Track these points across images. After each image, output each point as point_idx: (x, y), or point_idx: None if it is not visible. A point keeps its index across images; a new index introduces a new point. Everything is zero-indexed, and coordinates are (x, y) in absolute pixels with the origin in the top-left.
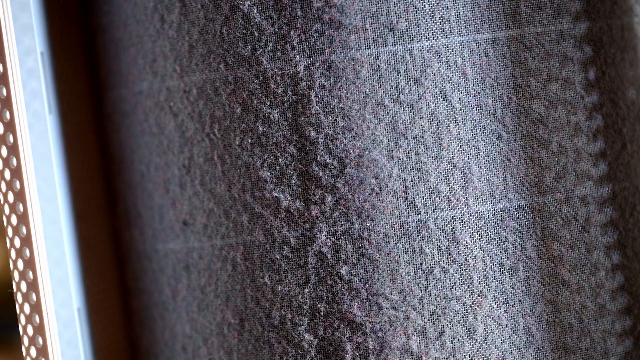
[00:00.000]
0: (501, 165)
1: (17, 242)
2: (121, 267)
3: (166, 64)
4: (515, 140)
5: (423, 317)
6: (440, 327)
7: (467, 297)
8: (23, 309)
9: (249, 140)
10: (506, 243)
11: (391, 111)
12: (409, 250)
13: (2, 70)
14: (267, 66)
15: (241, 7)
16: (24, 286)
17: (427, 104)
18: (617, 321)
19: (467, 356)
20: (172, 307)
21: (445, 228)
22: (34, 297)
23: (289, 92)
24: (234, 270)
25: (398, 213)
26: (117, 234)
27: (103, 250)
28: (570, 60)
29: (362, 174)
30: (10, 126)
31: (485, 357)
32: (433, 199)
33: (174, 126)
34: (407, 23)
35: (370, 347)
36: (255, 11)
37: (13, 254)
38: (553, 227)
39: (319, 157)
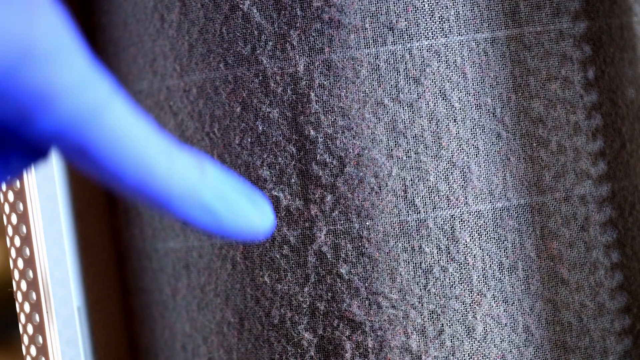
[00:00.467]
0: (500, 165)
1: (17, 241)
2: (121, 266)
3: (166, 63)
4: (515, 139)
5: (422, 316)
6: (439, 326)
7: (466, 296)
8: (23, 308)
9: (249, 140)
10: (505, 242)
11: (391, 110)
12: (408, 249)
13: None
14: (267, 65)
15: (241, 6)
16: (24, 285)
17: (427, 103)
18: (617, 320)
19: (467, 355)
20: (172, 306)
21: (445, 227)
22: (34, 296)
23: (288, 91)
24: (234, 269)
25: (397, 212)
26: (117, 233)
27: (103, 249)
28: (570, 60)
29: (361, 173)
30: None
31: (485, 355)
32: (432, 198)
33: (173, 125)
34: (406, 22)
35: (370, 345)
36: (255, 10)
37: (13, 252)
38: (552, 226)
39: (318, 156)
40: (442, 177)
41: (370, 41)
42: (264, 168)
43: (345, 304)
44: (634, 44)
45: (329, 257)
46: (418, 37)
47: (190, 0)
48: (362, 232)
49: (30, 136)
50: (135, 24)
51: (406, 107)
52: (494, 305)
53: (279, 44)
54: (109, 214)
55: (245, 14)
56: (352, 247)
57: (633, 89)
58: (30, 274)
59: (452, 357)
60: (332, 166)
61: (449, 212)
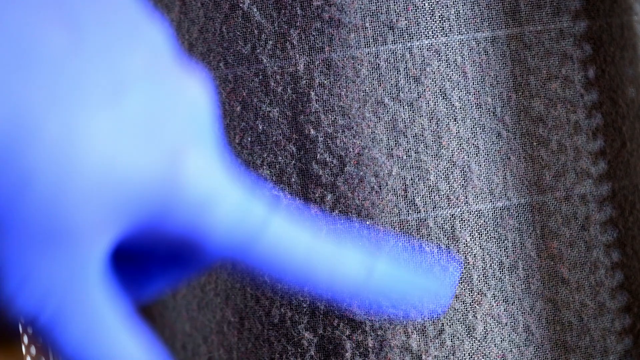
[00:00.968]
0: (501, 164)
1: None
2: None
3: None
4: (515, 138)
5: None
6: (439, 325)
7: (466, 295)
8: None
9: (249, 139)
10: (506, 241)
11: (391, 109)
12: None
13: None
14: (267, 64)
15: (241, 5)
16: None
17: (427, 102)
18: (617, 319)
19: (467, 354)
20: (171, 305)
21: (445, 226)
22: None
23: (288, 90)
24: (234, 269)
25: (398, 211)
26: None
27: None
28: (570, 59)
29: (361, 173)
30: None
31: (485, 355)
32: (433, 197)
33: None
34: (406, 21)
35: (370, 345)
36: (255, 9)
37: None
38: (553, 225)
39: (318, 155)
40: (443, 177)
41: (371, 40)
42: (264, 167)
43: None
44: (634, 43)
45: None
46: (418, 36)
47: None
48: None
49: (197, 260)
50: None
51: (406, 106)
52: (495, 304)
53: (279, 43)
54: None
55: (245, 13)
56: None
57: (633, 88)
58: None
59: (452, 357)
60: (332, 165)
61: (449, 212)
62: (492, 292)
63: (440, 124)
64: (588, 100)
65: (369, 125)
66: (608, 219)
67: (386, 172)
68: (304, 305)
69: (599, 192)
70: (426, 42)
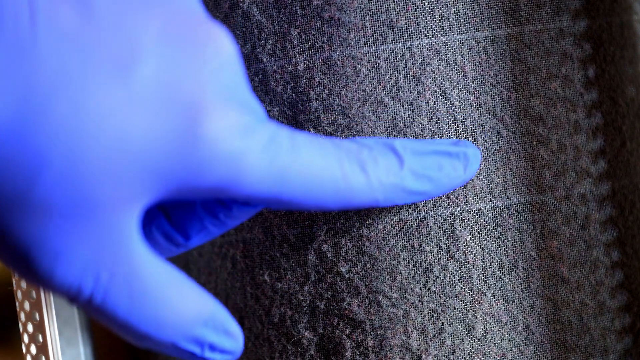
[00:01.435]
0: (500, 163)
1: None
2: None
3: None
4: (515, 138)
5: (422, 315)
6: (439, 324)
7: (466, 294)
8: (23, 307)
9: None
10: (506, 241)
11: (391, 109)
12: (408, 248)
13: None
14: (267, 64)
15: (241, 4)
16: (24, 283)
17: (427, 101)
18: (617, 319)
19: (467, 354)
20: None
21: (445, 226)
22: (34, 294)
23: (288, 89)
24: (234, 268)
25: (397, 210)
26: None
27: None
28: (570, 58)
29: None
30: None
31: (485, 354)
32: None
33: None
34: (406, 21)
35: (370, 344)
36: (254, 9)
37: None
38: (552, 224)
39: None
40: None
41: (370, 39)
42: None
43: (345, 303)
44: (634, 42)
45: (329, 255)
46: (418, 36)
47: None
48: (362, 231)
49: (236, 209)
50: None
51: (406, 106)
52: (494, 303)
53: (279, 43)
54: None
55: (245, 12)
56: (352, 246)
57: (633, 88)
58: None
59: (452, 356)
60: None
61: (449, 211)
62: (492, 292)
63: (440, 124)
64: (588, 100)
65: (368, 125)
66: (608, 218)
67: None
68: (304, 305)
69: (599, 191)
70: (426, 41)
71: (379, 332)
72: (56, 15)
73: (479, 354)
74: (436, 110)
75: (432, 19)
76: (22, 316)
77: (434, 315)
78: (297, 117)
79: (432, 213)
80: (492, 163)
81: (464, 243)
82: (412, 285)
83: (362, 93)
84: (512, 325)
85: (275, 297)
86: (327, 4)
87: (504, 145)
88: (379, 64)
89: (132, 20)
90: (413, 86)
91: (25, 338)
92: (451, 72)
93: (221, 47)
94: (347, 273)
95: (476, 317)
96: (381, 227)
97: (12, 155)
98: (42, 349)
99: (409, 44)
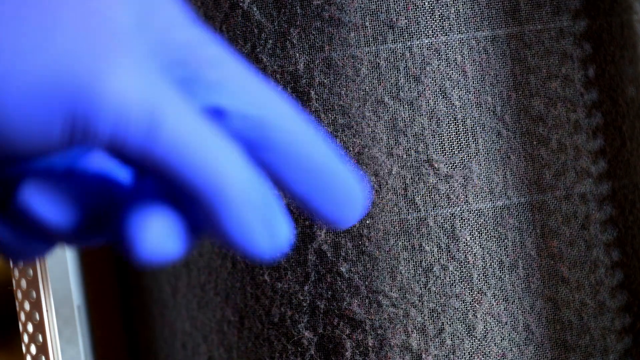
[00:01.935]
0: (501, 163)
1: None
2: (121, 264)
3: None
4: (515, 137)
5: (423, 315)
6: (439, 324)
7: (466, 294)
8: (23, 307)
9: None
10: (506, 240)
11: (391, 108)
12: (408, 247)
13: None
14: (267, 64)
15: (241, 4)
16: (23, 283)
17: (427, 101)
18: (617, 318)
19: (467, 353)
20: (172, 304)
21: (445, 225)
22: (33, 294)
23: (288, 89)
24: (234, 268)
25: (398, 210)
26: None
27: (103, 247)
28: (570, 58)
29: (361, 172)
30: None
31: (485, 354)
32: (433, 196)
33: None
34: (406, 20)
35: (370, 344)
36: (255, 9)
37: None
38: (553, 224)
39: None
40: (442, 176)
41: (371, 39)
42: None
43: (345, 303)
44: (634, 42)
45: (329, 255)
46: (418, 35)
47: None
48: (362, 231)
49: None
50: None
51: (406, 106)
52: (495, 303)
53: (279, 42)
54: None
55: (245, 12)
56: (352, 246)
57: (633, 87)
58: (30, 272)
59: (452, 356)
60: None
61: (449, 211)
62: (492, 291)
63: (440, 123)
64: (588, 99)
65: (369, 124)
66: (608, 218)
67: (386, 171)
68: (304, 305)
69: (599, 191)
70: (426, 41)
71: (379, 332)
72: None
73: (479, 354)
74: (436, 110)
75: (432, 19)
76: (22, 316)
77: (434, 315)
78: None
79: (432, 213)
80: (492, 163)
81: (464, 243)
82: (412, 285)
83: (362, 93)
84: (512, 325)
85: (275, 297)
86: (327, 3)
87: (504, 145)
88: (379, 63)
89: None
90: (413, 86)
91: (25, 338)
92: (451, 71)
93: None
94: (347, 273)
95: (476, 317)
96: (381, 227)
97: None
98: (42, 349)
99: (409, 43)
